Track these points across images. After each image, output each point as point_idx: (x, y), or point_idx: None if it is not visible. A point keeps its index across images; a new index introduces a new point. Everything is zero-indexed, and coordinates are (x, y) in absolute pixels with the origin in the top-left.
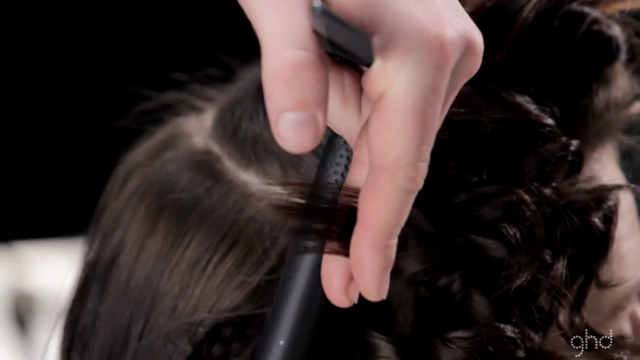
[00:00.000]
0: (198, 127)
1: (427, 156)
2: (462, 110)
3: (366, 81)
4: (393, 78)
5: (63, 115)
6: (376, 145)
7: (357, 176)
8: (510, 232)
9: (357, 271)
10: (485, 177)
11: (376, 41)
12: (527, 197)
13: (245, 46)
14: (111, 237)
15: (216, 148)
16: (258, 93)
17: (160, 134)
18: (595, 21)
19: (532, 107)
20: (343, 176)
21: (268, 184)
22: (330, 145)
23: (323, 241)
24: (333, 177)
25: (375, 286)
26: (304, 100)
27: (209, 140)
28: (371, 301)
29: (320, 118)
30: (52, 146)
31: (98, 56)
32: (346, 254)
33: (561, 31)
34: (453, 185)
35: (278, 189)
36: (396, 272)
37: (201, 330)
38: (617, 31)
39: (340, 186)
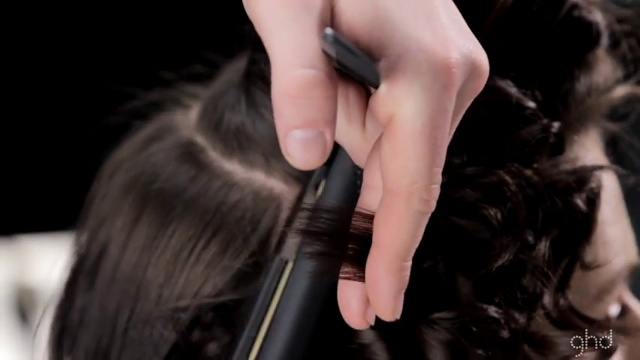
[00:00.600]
0: (184, 122)
1: (439, 177)
2: None
3: (373, 103)
4: (400, 102)
5: (61, 111)
6: (390, 170)
7: (368, 200)
8: (491, 212)
9: (373, 294)
10: (465, 159)
11: (383, 64)
12: (507, 178)
13: (230, 43)
14: (98, 232)
15: (201, 140)
16: (240, 84)
17: (146, 129)
18: (575, 6)
19: (513, 90)
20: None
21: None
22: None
23: (337, 265)
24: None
25: (390, 308)
26: (313, 118)
27: (194, 132)
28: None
29: (328, 136)
30: (56, 141)
31: (88, 55)
32: (362, 279)
33: (541, 15)
34: None
35: (261, 176)
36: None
37: (185, 316)
38: (597, 17)
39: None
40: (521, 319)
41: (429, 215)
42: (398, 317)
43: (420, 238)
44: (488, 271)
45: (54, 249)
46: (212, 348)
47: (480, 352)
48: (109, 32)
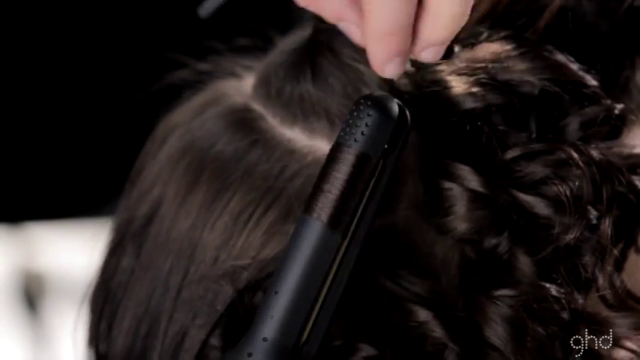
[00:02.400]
0: (238, 89)
1: None
2: (509, 68)
3: None
4: None
5: (73, 98)
6: None
7: None
8: (561, 189)
9: (368, 55)
10: (534, 136)
11: None
12: (575, 155)
13: (281, 19)
14: (148, 194)
15: (258, 107)
16: (304, 53)
17: (200, 96)
18: None
19: (576, 67)
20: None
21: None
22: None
23: None
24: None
25: (378, 69)
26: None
27: (250, 100)
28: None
29: None
30: (63, 128)
31: (127, 27)
32: None
33: (607, 3)
34: (503, 144)
35: (323, 145)
36: (444, 232)
37: (245, 275)
38: None
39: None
40: (580, 299)
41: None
42: (391, 76)
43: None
44: (553, 249)
45: (62, 236)
46: None
47: (540, 330)
48: (156, 2)
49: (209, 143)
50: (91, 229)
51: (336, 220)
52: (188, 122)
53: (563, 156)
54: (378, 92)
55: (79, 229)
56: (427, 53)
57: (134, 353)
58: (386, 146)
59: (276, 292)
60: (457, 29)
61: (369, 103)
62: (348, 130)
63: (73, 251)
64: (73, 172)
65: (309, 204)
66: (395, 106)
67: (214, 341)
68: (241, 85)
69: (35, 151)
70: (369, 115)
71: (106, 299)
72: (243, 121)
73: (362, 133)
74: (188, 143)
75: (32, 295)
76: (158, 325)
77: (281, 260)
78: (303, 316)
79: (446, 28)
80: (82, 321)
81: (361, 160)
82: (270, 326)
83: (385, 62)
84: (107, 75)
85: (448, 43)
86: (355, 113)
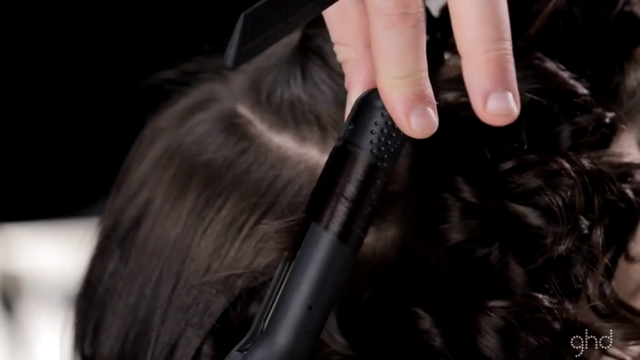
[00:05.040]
0: (226, 93)
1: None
2: None
3: None
4: None
5: (53, 98)
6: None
7: None
8: (553, 200)
9: (389, 109)
10: (525, 147)
11: None
12: (567, 165)
13: None
14: (135, 198)
15: (245, 112)
16: (294, 59)
17: (187, 99)
18: (627, 1)
19: (566, 75)
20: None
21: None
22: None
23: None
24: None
25: (404, 122)
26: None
27: (239, 104)
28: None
29: None
30: (41, 130)
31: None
32: None
33: (597, 9)
34: (495, 154)
35: (315, 152)
36: (435, 242)
37: (239, 284)
38: None
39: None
40: (571, 309)
41: (419, 30)
42: (419, 132)
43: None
44: (546, 260)
45: (40, 237)
46: None
47: (532, 340)
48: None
49: (198, 149)
50: (69, 230)
51: (347, 233)
52: (176, 126)
53: (555, 166)
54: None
55: (56, 231)
56: (491, 104)
57: (123, 359)
58: (392, 150)
59: (286, 304)
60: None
61: (380, 103)
62: (356, 131)
63: (50, 253)
64: (50, 174)
65: (318, 211)
66: None
67: (207, 350)
68: (228, 89)
69: (13, 152)
70: (382, 115)
71: (92, 303)
72: (232, 126)
73: (374, 140)
74: (176, 148)
75: (9, 296)
76: (148, 332)
77: (289, 270)
78: (315, 330)
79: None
80: (60, 323)
81: (373, 167)
82: (283, 335)
83: (406, 112)
84: (89, 75)
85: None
86: (363, 112)
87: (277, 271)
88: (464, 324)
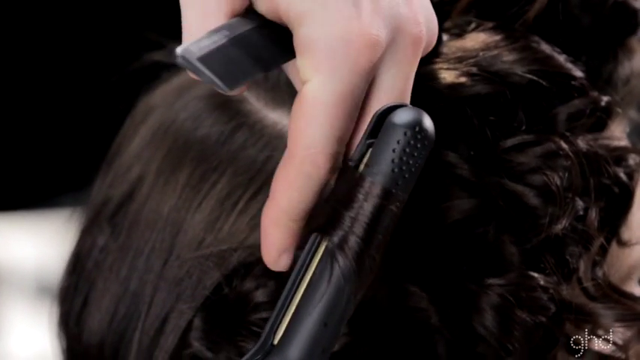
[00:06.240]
0: None
1: (340, 147)
2: (498, 59)
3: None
4: (310, 73)
5: (28, 90)
6: (291, 130)
7: None
8: (552, 180)
9: (262, 242)
10: (524, 127)
11: (300, 34)
12: (566, 147)
13: None
14: (127, 173)
15: None
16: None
17: (179, 78)
18: None
19: (563, 59)
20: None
21: None
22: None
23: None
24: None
25: (272, 259)
26: None
27: None
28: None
29: None
30: (15, 121)
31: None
32: None
33: None
34: (494, 133)
35: None
36: (433, 219)
37: (234, 259)
38: None
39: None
40: (566, 289)
41: (323, 181)
42: (281, 269)
43: (310, 201)
44: (543, 239)
45: (13, 227)
46: (259, 295)
47: (527, 319)
48: None
49: (193, 125)
50: (43, 221)
51: (362, 260)
52: (169, 103)
53: (553, 147)
54: (407, 107)
55: (30, 221)
56: None
57: (112, 332)
58: (413, 170)
59: (300, 319)
60: None
61: (400, 122)
62: (373, 155)
63: (24, 243)
64: (25, 165)
65: (330, 229)
66: (430, 125)
67: (198, 323)
68: None
69: None
70: (404, 134)
71: (81, 277)
72: (225, 103)
73: (394, 167)
74: (171, 124)
75: None
76: (139, 305)
77: (303, 285)
78: (329, 347)
79: None
80: (34, 313)
81: (389, 192)
82: (296, 351)
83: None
84: (67, 65)
85: None
86: (382, 132)
87: (289, 283)
88: (460, 301)
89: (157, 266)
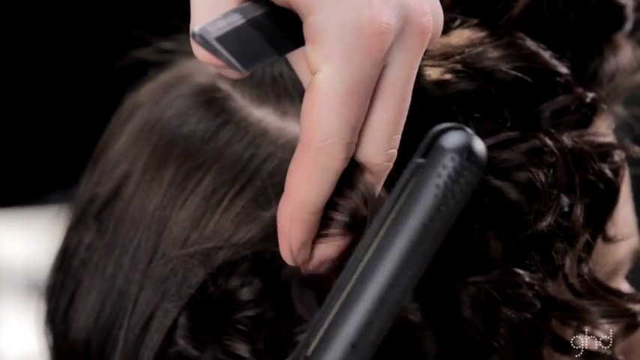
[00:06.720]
0: (204, 68)
1: (354, 137)
2: (483, 55)
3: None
4: (321, 62)
5: (16, 87)
6: (304, 123)
7: None
8: (536, 176)
9: (280, 237)
10: (509, 124)
11: (310, 22)
12: (550, 142)
13: None
14: (114, 171)
15: (226, 86)
16: None
17: (165, 75)
18: None
19: (548, 55)
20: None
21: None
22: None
23: None
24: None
25: (290, 254)
26: None
27: (219, 79)
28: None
29: None
30: (3, 118)
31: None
32: None
33: None
34: (479, 130)
35: (295, 127)
36: None
37: (219, 257)
38: (628, 0)
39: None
40: (551, 286)
41: (340, 171)
42: (299, 263)
43: (328, 193)
44: (528, 235)
45: (7, 225)
46: (244, 293)
47: (513, 316)
48: None
49: (178, 122)
50: (33, 218)
51: (402, 284)
52: (155, 100)
53: (538, 143)
54: (455, 130)
55: (20, 218)
56: None
57: (98, 329)
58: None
59: (332, 337)
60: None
61: (448, 147)
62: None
63: (13, 240)
64: (13, 161)
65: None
66: (482, 147)
67: (183, 322)
68: (206, 65)
69: None
70: (452, 159)
71: (68, 275)
72: (211, 101)
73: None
74: (156, 121)
75: None
76: (125, 303)
77: (339, 302)
78: None
79: None
80: (24, 309)
81: (437, 210)
82: None
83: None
84: (55, 63)
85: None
86: (429, 156)
87: (328, 298)
88: (445, 298)
89: (142, 264)
